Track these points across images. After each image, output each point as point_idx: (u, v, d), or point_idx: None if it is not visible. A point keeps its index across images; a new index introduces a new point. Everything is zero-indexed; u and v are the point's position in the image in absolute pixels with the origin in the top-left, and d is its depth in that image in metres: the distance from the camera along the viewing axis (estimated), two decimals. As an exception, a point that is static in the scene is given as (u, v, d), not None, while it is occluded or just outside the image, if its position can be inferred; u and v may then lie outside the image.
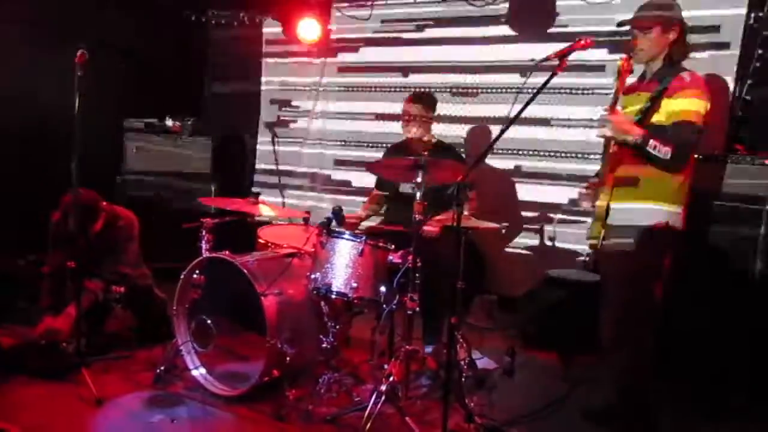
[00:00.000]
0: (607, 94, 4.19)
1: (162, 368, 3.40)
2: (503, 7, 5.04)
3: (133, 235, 3.94)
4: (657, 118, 2.72)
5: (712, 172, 3.62)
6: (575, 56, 2.63)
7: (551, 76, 2.55)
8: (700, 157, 3.52)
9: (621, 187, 2.79)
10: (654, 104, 2.72)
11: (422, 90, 4.22)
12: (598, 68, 4.65)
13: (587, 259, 4.53)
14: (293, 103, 6.11)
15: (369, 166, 3.63)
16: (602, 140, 2.87)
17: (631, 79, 2.87)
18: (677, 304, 3.15)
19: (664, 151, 2.60)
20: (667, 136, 2.63)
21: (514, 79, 5.00)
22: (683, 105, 2.66)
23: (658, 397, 2.84)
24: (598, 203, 2.83)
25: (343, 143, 5.86)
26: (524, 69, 4.87)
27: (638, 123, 2.72)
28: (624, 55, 2.76)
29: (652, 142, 2.61)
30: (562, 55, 2.59)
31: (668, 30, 2.77)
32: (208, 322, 3.31)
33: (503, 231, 5.00)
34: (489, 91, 5.13)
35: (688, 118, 2.65)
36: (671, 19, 2.77)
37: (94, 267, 3.71)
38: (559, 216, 4.78)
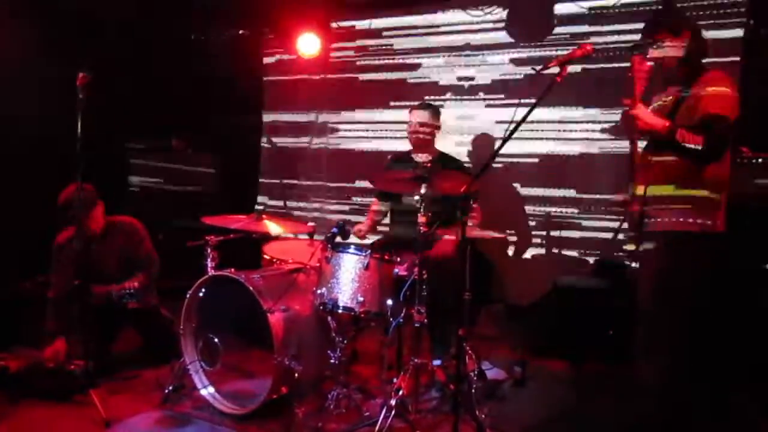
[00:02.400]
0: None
1: (170, 388, 3.39)
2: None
3: (138, 233, 3.95)
4: (682, 119, 2.66)
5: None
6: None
7: (552, 85, 2.52)
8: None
9: (653, 192, 2.72)
10: (679, 106, 2.68)
11: (427, 101, 4.23)
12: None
13: (594, 267, 4.51)
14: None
15: (371, 179, 3.63)
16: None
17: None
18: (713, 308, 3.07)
19: (694, 142, 2.54)
20: (697, 129, 2.57)
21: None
22: (711, 101, 2.59)
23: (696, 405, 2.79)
24: (632, 209, 2.76)
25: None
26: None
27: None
28: (636, 53, 2.70)
29: (680, 132, 2.55)
30: (563, 63, 2.56)
31: (679, 35, 2.72)
32: (216, 340, 3.30)
33: (512, 240, 4.99)
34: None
35: (717, 112, 2.58)
36: (680, 25, 2.75)
37: (100, 273, 3.71)
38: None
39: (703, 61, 2.77)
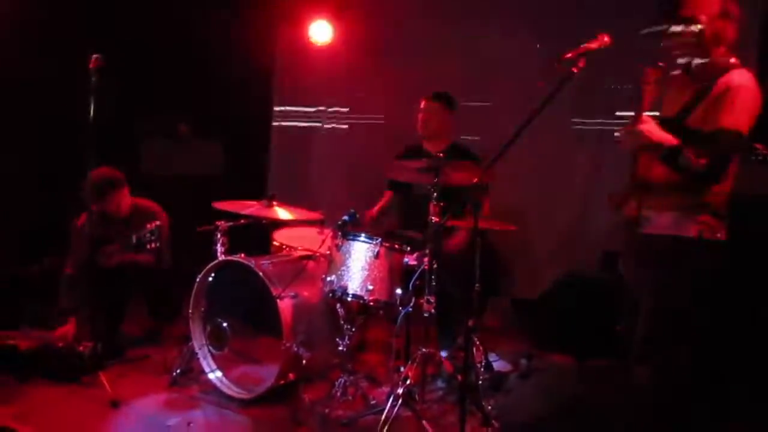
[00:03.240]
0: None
1: (178, 371, 3.41)
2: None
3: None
4: (696, 121, 2.50)
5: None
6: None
7: (569, 75, 2.49)
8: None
9: (651, 195, 2.58)
10: (697, 105, 2.51)
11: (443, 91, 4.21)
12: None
13: (602, 261, 4.50)
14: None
15: (383, 168, 3.62)
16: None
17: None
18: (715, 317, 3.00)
19: (697, 164, 2.38)
20: (704, 145, 2.41)
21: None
22: (728, 110, 2.40)
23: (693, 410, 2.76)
24: (627, 211, 2.65)
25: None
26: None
27: (678, 123, 2.53)
28: (650, 66, 2.54)
29: (684, 153, 2.39)
30: (581, 54, 2.52)
31: (691, 25, 2.51)
32: (224, 324, 3.31)
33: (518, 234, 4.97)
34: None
35: (732, 126, 2.39)
36: (688, 12, 2.52)
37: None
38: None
39: (730, 59, 2.53)
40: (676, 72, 2.68)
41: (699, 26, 2.51)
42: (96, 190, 3.63)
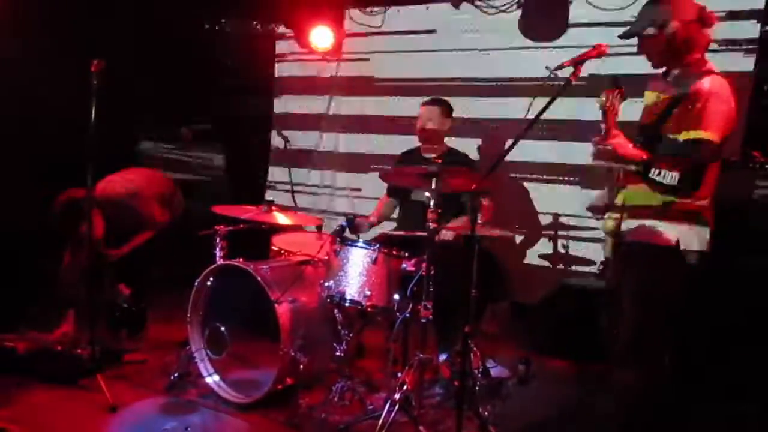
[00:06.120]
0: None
1: (176, 375, 3.42)
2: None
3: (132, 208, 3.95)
4: (669, 129, 2.51)
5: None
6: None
7: (566, 84, 2.50)
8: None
9: (632, 203, 2.60)
10: (671, 112, 2.52)
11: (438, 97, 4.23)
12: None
13: (600, 268, 4.50)
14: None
15: (381, 175, 3.62)
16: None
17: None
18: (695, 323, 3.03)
19: (669, 177, 2.38)
20: (677, 154, 2.42)
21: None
22: (699, 119, 2.40)
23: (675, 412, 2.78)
24: (607, 221, 2.68)
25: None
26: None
27: (655, 130, 2.56)
28: (607, 90, 2.47)
29: (654, 169, 2.40)
30: (577, 62, 2.54)
31: (663, 28, 2.52)
32: (222, 329, 3.32)
33: (519, 238, 4.98)
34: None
35: (703, 136, 2.39)
36: (662, 17, 2.53)
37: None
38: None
39: (703, 65, 2.55)
40: (657, 76, 2.69)
41: (671, 31, 2.52)
42: (63, 224, 3.70)
